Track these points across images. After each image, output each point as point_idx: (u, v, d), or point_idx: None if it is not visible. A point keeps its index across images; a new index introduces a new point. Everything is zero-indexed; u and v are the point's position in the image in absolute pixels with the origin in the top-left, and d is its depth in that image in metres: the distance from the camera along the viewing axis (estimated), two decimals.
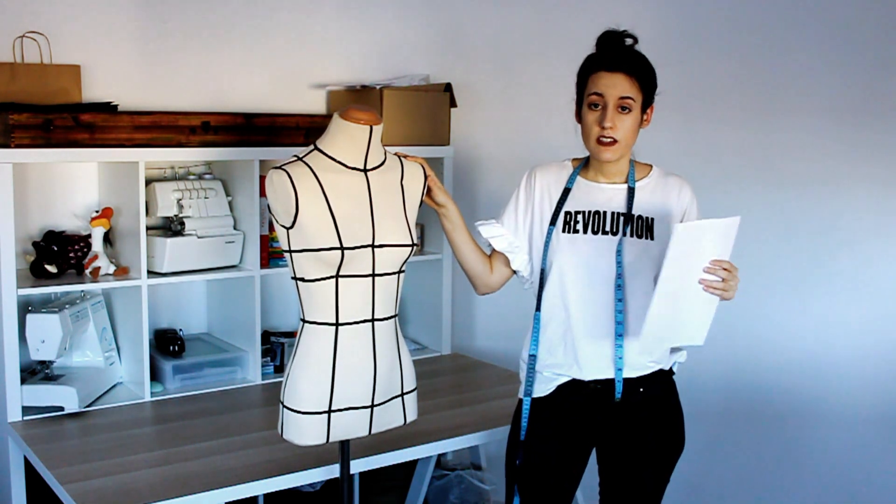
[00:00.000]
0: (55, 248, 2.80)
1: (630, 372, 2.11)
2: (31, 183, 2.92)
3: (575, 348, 2.12)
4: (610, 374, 2.11)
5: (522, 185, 2.25)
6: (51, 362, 2.77)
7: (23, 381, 2.68)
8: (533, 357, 2.18)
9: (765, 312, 2.98)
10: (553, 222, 2.16)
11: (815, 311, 2.88)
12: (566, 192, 2.19)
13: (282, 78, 3.38)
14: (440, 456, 3.61)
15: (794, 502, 2.95)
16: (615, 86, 2.05)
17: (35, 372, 2.81)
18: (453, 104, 3.40)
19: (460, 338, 3.71)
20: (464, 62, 3.65)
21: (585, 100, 2.10)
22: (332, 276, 2.04)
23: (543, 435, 2.18)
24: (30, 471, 2.60)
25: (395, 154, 2.20)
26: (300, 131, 3.05)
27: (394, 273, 2.13)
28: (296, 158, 2.05)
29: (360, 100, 3.27)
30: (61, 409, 2.71)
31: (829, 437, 2.87)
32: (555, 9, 3.45)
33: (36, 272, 2.78)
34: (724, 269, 1.97)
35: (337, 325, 2.07)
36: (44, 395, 2.71)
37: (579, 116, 2.15)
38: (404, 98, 3.25)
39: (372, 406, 2.14)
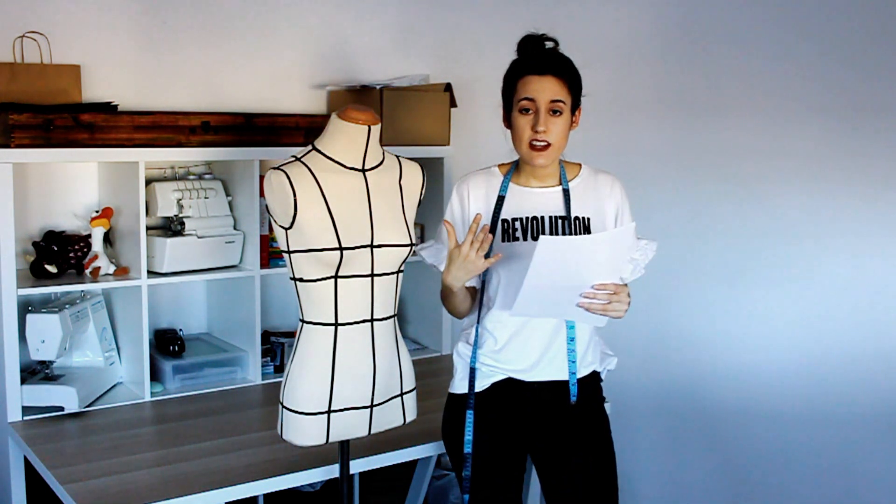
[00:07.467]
0: (55, 248, 2.80)
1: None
2: (31, 183, 2.92)
3: (527, 352, 2.14)
4: (555, 377, 2.13)
5: (454, 199, 2.20)
6: (51, 362, 2.77)
7: (23, 381, 2.68)
8: (473, 357, 2.19)
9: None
10: (491, 232, 2.11)
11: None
12: (500, 199, 2.16)
13: (282, 78, 3.38)
14: (440, 456, 3.61)
15: None
16: (545, 89, 2.05)
17: (35, 372, 2.81)
18: (453, 104, 3.39)
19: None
20: (464, 62, 3.65)
21: (515, 105, 2.09)
22: (330, 277, 2.04)
23: (478, 436, 2.18)
24: (30, 471, 2.60)
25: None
26: (300, 131, 3.05)
27: (393, 273, 2.13)
28: (294, 159, 2.05)
29: (359, 100, 3.27)
30: (61, 409, 2.71)
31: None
32: (555, 9, 3.44)
33: (36, 272, 2.78)
34: (610, 293, 1.94)
35: (336, 325, 2.07)
36: (44, 395, 2.71)
37: (508, 122, 2.14)
38: (404, 98, 3.24)
39: (371, 406, 2.14)
